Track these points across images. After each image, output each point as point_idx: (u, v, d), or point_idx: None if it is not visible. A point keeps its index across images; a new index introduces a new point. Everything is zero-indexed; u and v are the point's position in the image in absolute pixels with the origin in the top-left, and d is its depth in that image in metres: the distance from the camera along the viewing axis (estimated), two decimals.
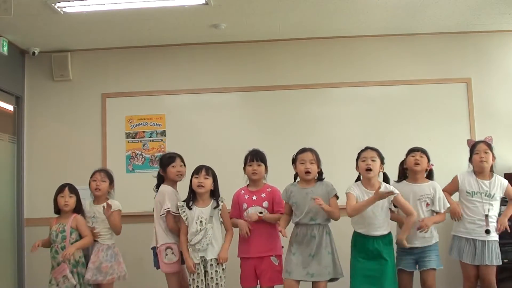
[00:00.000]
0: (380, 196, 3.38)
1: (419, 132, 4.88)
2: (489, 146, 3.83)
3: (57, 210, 3.91)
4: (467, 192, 3.79)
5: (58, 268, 3.72)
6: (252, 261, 3.65)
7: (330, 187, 3.58)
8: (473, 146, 3.87)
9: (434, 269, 3.64)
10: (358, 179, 3.69)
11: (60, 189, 3.90)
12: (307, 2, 4.26)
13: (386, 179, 3.67)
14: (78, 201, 3.93)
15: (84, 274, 3.80)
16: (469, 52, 5.07)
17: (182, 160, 3.94)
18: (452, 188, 3.90)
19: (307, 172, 3.53)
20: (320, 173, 3.63)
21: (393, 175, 3.88)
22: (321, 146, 4.69)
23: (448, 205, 3.73)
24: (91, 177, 4.00)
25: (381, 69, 5.07)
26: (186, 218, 3.62)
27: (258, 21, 4.66)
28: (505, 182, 3.83)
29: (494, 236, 3.71)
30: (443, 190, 3.82)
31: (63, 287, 3.71)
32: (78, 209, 3.93)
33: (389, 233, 3.57)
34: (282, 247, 3.74)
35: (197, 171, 3.66)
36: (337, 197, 3.57)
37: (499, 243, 3.76)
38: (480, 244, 3.68)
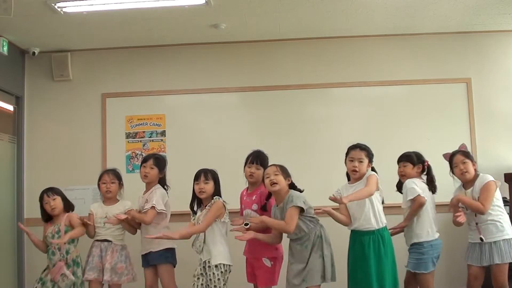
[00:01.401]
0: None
1: (419, 132, 4.88)
2: (466, 155, 3.76)
3: (47, 218, 3.90)
4: (461, 207, 3.73)
5: (55, 268, 3.74)
6: (248, 260, 3.70)
7: (289, 201, 3.40)
8: (450, 159, 3.82)
9: (410, 270, 3.65)
10: (348, 175, 3.71)
11: (41, 197, 3.89)
12: (307, 2, 4.26)
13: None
14: (64, 199, 3.92)
15: (78, 273, 3.81)
16: (469, 52, 5.06)
17: (157, 163, 3.90)
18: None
19: (273, 184, 3.40)
20: (293, 185, 3.52)
21: (393, 174, 3.88)
22: (321, 146, 4.75)
23: (409, 198, 3.66)
24: (100, 179, 3.98)
25: (381, 69, 5.07)
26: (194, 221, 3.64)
27: (258, 21, 4.66)
28: (485, 179, 3.66)
29: (500, 236, 3.63)
30: None
31: (62, 285, 3.71)
32: (68, 206, 3.93)
33: (383, 228, 3.51)
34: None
35: (197, 177, 3.62)
36: (299, 208, 3.36)
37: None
38: (487, 246, 3.64)
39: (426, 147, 4.57)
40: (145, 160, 3.94)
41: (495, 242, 3.62)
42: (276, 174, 3.42)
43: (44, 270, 3.85)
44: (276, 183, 3.40)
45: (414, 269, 3.64)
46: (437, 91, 5.01)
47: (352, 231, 3.57)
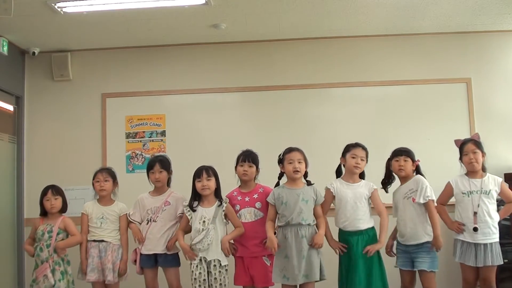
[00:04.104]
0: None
1: (419, 132, 4.88)
2: (477, 145, 3.74)
3: (43, 212, 3.91)
4: (463, 193, 3.73)
5: (41, 267, 3.75)
6: (246, 260, 3.64)
7: (319, 196, 3.58)
8: (461, 146, 3.80)
9: (426, 271, 3.57)
10: (338, 171, 3.75)
11: (44, 192, 3.90)
12: (307, 2, 4.26)
13: (361, 174, 3.71)
14: (64, 201, 3.94)
15: (70, 271, 3.83)
16: (469, 52, 5.06)
17: (163, 166, 3.89)
18: (446, 194, 3.84)
19: (296, 171, 3.52)
20: (306, 174, 3.62)
21: None
22: (321, 146, 4.75)
23: (429, 196, 3.63)
24: (94, 178, 3.99)
25: (381, 69, 5.07)
26: (191, 217, 3.63)
27: (258, 21, 4.66)
28: (499, 178, 3.79)
29: (495, 238, 3.66)
30: (438, 201, 3.80)
31: (42, 286, 3.72)
32: (64, 208, 3.94)
33: (372, 228, 3.58)
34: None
35: (198, 174, 3.65)
36: None
37: (499, 243, 3.72)
38: (482, 247, 3.63)
39: (426, 147, 4.58)
40: (151, 166, 3.90)
41: (491, 244, 3.63)
42: (300, 162, 3.53)
43: (35, 269, 3.83)
44: (299, 171, 3.53)
45: (431, 268, 3.57)
46: (437, 91, 5.01)
47: (347, 231, 3.56)
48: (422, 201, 3.63)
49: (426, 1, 4.31)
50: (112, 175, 4.03)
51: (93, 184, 4.01)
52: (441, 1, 4.31)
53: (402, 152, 3.75)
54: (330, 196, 3.63)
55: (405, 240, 3.69)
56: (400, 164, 3.72)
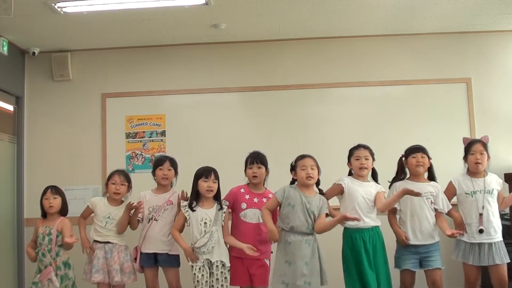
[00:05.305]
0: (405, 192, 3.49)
1: (419, 132, 4.87)
2: (485, 147, 3.77)
3: (44, 213, 3.90)
4: (466, 193, 3.74)
5: (45, 271, 3.73)
6: (246, 261, 3.61)
7: (323, 205, 3.52)
8: (468, 145, 3.81)
9: (440, 268, 3.63)
10: (349, 174, 3.75)
11: (44, 192, 3.89)
12: (307, 2, 4.26)
13: (374, 174, 3.73)
14: (64, 202, 3.92)
15: (70, 275, 3.80)
16: (469, 52, 5.06)
17: (173, 165, 3.92)
18: (449, 194, 3.84)
19: (309, 177, 3.46)
20: (318, 182, 3.57)
21: (393, 174, 3.88)
22: (321, 146, 4.75)
23: (451, 207, 3.75)
24: (109, 178, 3.95)
25: (381, 69, 5.07)
26: (189, 217, 3.59)
27: (258, 21, 4.66)
28: (499, 179, 3.83)
29: (499, 237, 3.67)
30: None
31: None
32: (64, 209, 3.92)
33: (378, 226, 3.60)
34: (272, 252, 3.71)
35: (206, 174, 3.61)
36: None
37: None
38: (487, 246, 3.63)
39: (426, 147, 4.57)
40: (160, 162, 3.92)
41: (495, 242, 3.64)
42: (312, 169, 3.49)
43: (37, 273, 3.81)
44: (312, 178, 3.47)
45: (442, 265, 3.65)
46: (437, 91, 5.01)
47: (358, 229, 3.56)
48: (443, 210, 3.71)
49: (426, 1, 4.32)
50: (128, 179, 4.00)
51: (107, 185, 3.96)
52: (441, 1, 4.31)
53: (418, 149, 3.78)
54: (338, 189, 3.61)
55: (418, 240, 3.66)
56: (418, 160, 3.73)
